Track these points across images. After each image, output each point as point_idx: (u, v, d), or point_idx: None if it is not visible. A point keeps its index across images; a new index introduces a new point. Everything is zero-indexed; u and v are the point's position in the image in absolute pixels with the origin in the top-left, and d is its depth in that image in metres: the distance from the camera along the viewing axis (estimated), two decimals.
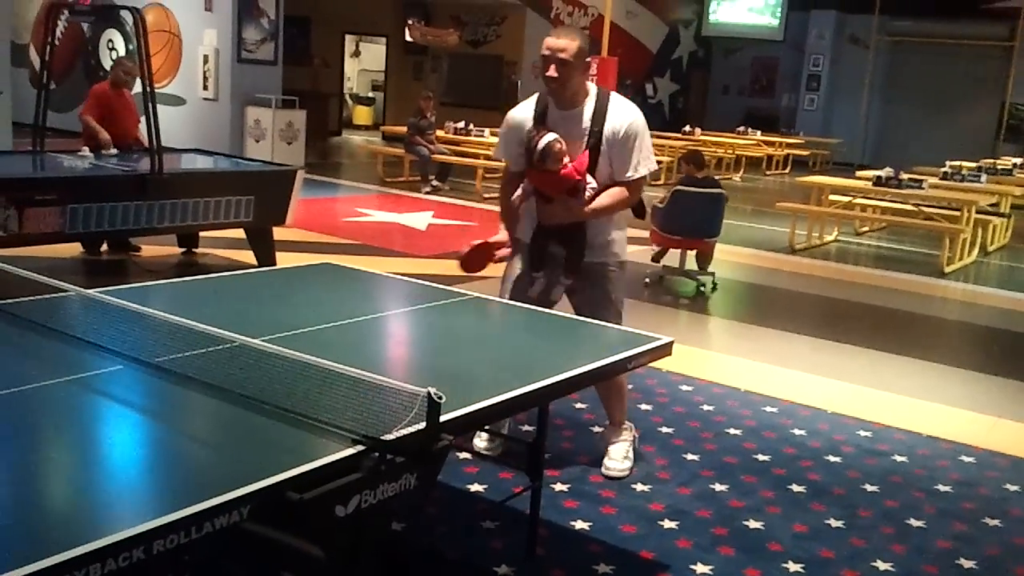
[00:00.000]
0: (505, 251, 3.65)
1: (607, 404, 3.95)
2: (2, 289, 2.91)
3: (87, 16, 14.80)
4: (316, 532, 1.82)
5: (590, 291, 3.71)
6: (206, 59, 13.53)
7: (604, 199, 3.58)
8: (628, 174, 3.58)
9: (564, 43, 3.43)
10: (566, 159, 3.51)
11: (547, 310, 3.49)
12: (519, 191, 3.64)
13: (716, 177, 8.20)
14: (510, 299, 3.65)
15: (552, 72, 3.43)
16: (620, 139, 3.54)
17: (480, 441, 3.89)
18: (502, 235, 3.69)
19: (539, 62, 3.50)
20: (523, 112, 3.68)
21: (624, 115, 3.57)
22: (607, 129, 3.53)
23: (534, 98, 3.68)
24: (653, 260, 7.84)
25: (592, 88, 3.60)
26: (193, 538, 1.62)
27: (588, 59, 3.54)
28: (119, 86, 7.19)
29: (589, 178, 3.55)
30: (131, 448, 2.05)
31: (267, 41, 13.68)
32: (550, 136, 3.50)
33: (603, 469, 3.85)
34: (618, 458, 3.88)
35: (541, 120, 3.59)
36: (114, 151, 6.88)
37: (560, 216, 3.61)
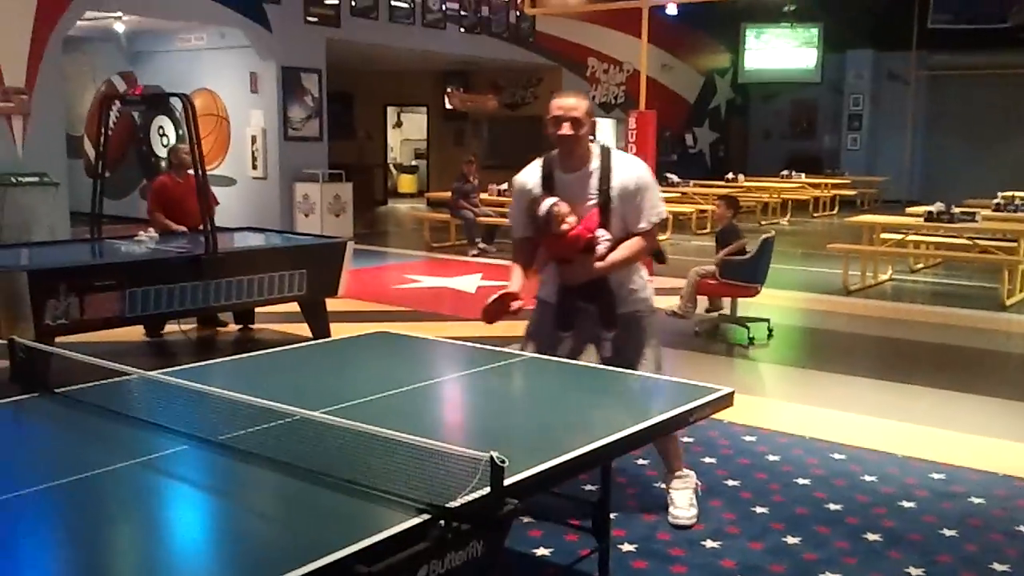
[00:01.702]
0: (519, 303, 3.66)
1: (662, 453, 3.92)
2: (67, 375, 2.97)
3: (138, 105, 15.30)
4: None
5: (624, 341, 3.72)
6: (254, 139, 13.89)
7: (621, 252, 3.63)
8: (641, 225, 3.65)
9: (574, 102, 3.57)
10: (572, 219, 3.56)
11: (604, 366, 3.47)
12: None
13: (763, 223, 8.13)
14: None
15: (567, 130, 3.53)
16: (630, 193, 3.60)
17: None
18: (515, 285, 3.73)
19: (550, 124, 3.57)
20: (528, 177, 3.76)
21: (630, 170, 3.65)
22: (615, 185, 3.59)
23: (539, 163, 3.75)
24: (709, 311, 7.77)
25: (595, 148, 3.67)
26: None
27: (594, 120, 3.65)
28: (181, 170, 7.40)
29: (603, 232, 3.59)
30: (198, 528, 2.06)
31: (312, 118, 14.02)
32: (549, 200, 3.58)
33: (669, 518, 3.80)
34: (684, 505, 3.83)
35: (547, 184, 3.67)
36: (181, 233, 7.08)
37: (581, 275, 3.65)
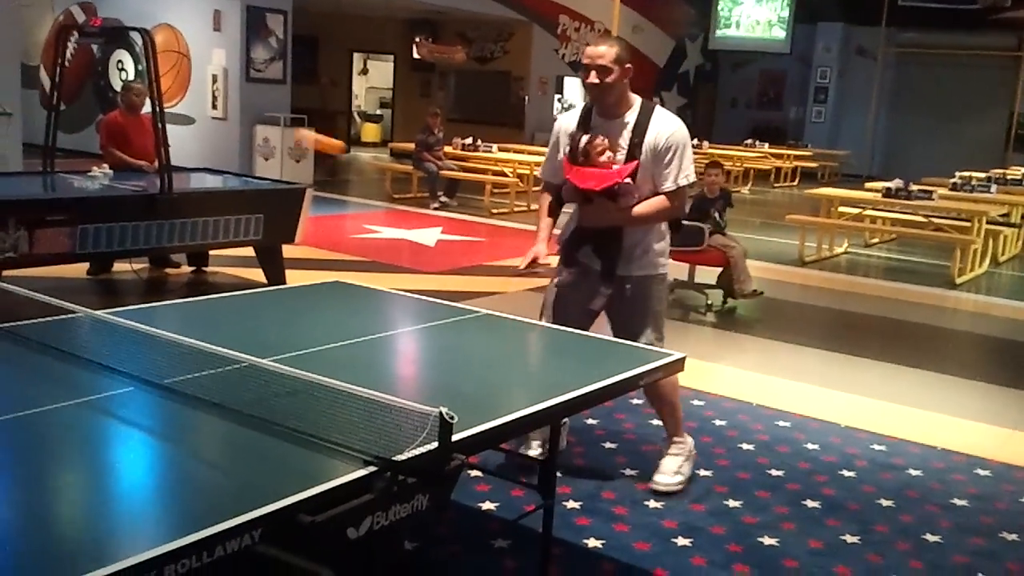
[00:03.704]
0: (547, 260, 3.66)
1: (660, 417, 3.98)
2: (11, 310, 2.91)
3: (97, 38, 14.92)
4: (328, 554, 1.80)
5: (630, 304, 3.70)
6: (215, 79, 13.61)
7: (644, 206, 3.60)
8: (667, 185, 3.59)
9: (603, 50, 3.50)
10: (608, 155, 3.54)
11: (557, 327, 3.48)
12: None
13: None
14: (554, 302, 3.75)
15: (593, 78, 3.50)
16: (661, 150, 3.55)
17: (534, 449, 3.94)
18: (543, 236, 3.73)
19: (582, 72, 3.56)
20: (568, 119, 3.76)
21: (666, 127, 3.58)
22: (648, 140, 3.55)
23: (578, 108, 3.76)
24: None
25: (636, 100, 3.64)
26: (204, 562, 1.61)
27: (629, 65, 3.55)
28: (132, 110, 7.24)
29: (631, 183, 3.56)
30: (141, 471, 2.04)
31: (275, 60, 13.77)
32: (590, 134, 3.58)
33: (651, 483, 3.83)
34: (667, 472, 3.85)
35: (584, 124, 3.65)
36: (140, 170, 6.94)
37: (599, 219, 3.62)
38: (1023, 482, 4.19)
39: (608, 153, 3.55)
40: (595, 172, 3.54)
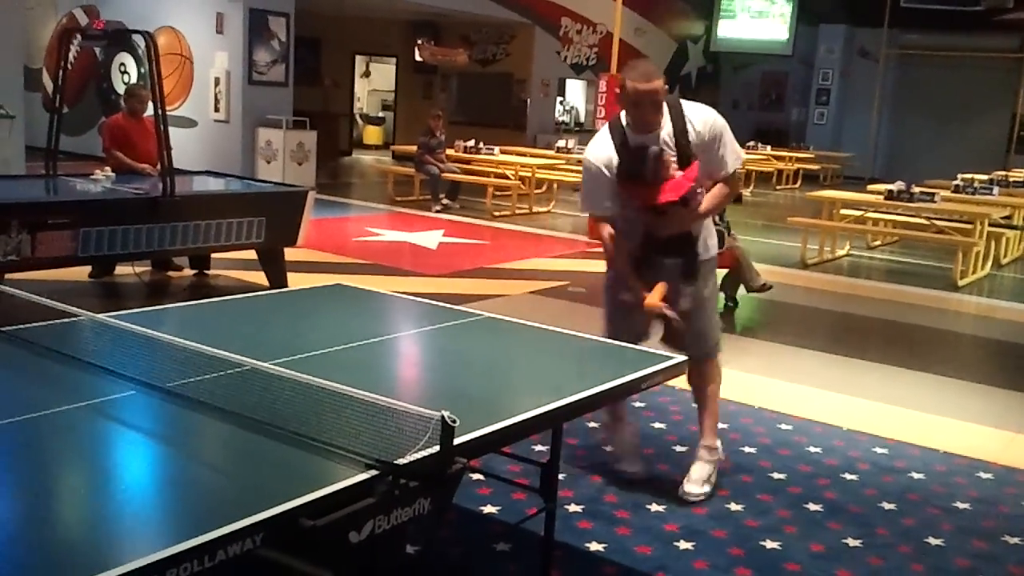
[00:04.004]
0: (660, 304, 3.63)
1: (699, 416, 3.99)
2: (13, 314, 2.91)
3: (99, 40, 14.88)
4: (329, 558, 1.81)
5: (700, 290, 3.77)
6: (217, 81, 13.63)
7: (711, 199, 3.65)
8: (727, 170, 3.64)
9: (656, 84, 3.46)
10: (674, 166, 3.55)
11: (561, 330, 3.48)
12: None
13: None
14: (620, 319, 3.78)
15: (653, 116, 3.50)
16: (708, 142, 3.56)
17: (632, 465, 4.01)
18: (653, 299, 3.61)
19: (629, 106, 3.51)
20: (601, 150, 3.64)
21: (703, 117, 3.59)
22: (693, 137, 3.55)
23: (605, 133, 3.67)
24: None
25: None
26: (206, 566, 1.61)
27: (665, 86, 3.56)
28: (135, 115, 7.25)
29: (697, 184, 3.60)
30: (143, 475, 2.04)
31: (278, 63, 13.78)
32: (654, 148, 3.53)
33: (680, 490, 3.81)
34: (697, 481, 3.83)
35: (625, 147, 3.59)
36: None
37: (674, 226, 3.63)
38: None
39: (674, 166, 3.55)
40: (669, 184, 3.54)
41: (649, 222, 3.65)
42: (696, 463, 3.89)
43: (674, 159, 3.55)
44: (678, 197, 3.53)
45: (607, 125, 3.69)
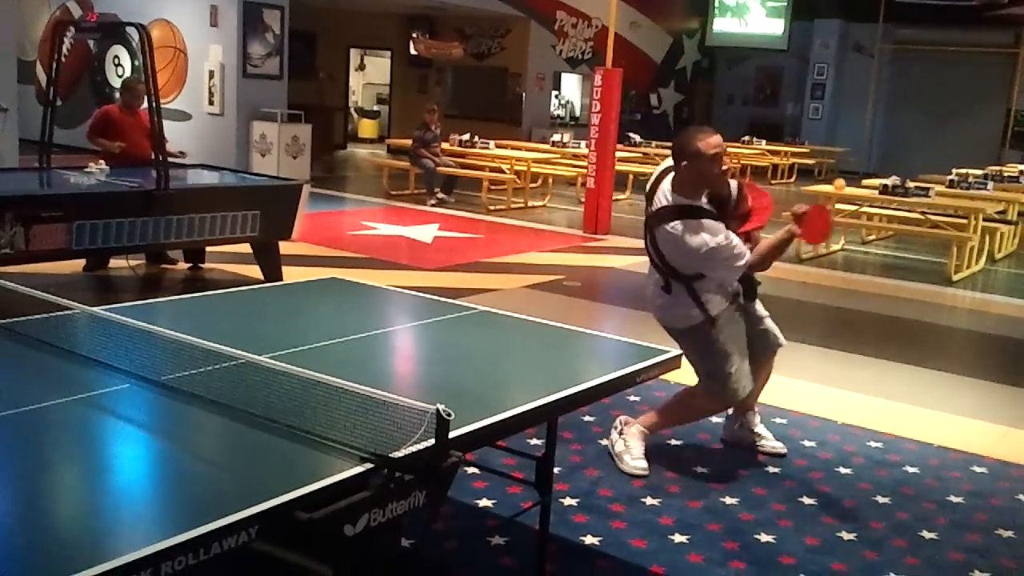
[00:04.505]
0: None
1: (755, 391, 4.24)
2: (7, 307, 2.90)
3: (93, 33, 14.88)
4: (325, 551, 1.81)
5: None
6: (212, 74, 13.59)
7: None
8: None
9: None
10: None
11: (556, 324, 3.48)
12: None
13: None
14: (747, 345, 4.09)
15: (728, 163, 3.85)
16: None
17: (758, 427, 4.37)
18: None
19: (713, 163, 3.69)
20: (704, 213, 3.79)
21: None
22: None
23: (688, 203, 3.78)
24: None
25: None
26: (202, 559, 1.61)
27: None
28: (130, 109, 7.22)
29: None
30: (138, 468, 2.04)
31: (272, 56, 13.74)
32: (732, 182, 3.92)
33: (770, 448, 4.27)
34: (770, 436, 4.32)
35: (713, 203, 3.86)
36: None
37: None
38: (1019, 479, 4.20)
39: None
40: (756, 211, 3.93)
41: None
42: (759, 425, 4.35)
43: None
44: (767, 217, 3.97)
45: (680, 222, 3.73)
